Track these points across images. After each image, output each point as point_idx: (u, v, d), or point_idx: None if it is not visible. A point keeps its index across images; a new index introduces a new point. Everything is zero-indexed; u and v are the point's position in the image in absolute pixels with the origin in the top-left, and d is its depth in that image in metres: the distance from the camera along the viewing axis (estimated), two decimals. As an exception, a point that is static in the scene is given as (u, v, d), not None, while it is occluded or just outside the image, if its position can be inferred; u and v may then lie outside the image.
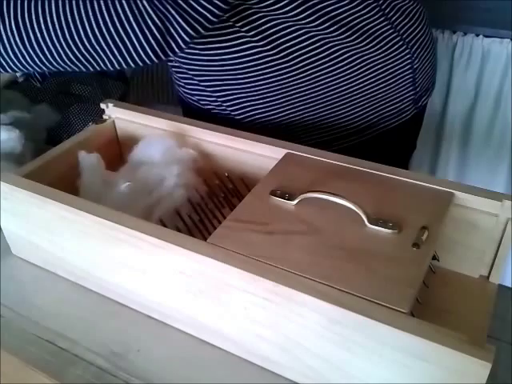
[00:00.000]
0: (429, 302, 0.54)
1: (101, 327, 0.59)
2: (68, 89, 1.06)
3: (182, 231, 0.59)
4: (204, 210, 0.66)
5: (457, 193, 0.57)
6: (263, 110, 0.78)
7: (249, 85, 0.76)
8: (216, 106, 0.81)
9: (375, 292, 0.45)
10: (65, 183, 0.64)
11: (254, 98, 0.77)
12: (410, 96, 0.81)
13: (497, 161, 1.61)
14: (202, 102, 0.82)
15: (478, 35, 1.48)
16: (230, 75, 0.77)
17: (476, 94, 1.56)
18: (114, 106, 0.77)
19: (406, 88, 0.80)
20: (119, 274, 0.59)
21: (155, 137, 0.73)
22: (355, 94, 0.77)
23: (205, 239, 0.52)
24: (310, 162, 0.63)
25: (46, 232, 0.63)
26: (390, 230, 0.52)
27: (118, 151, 0.79)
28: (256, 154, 0.68)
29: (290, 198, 0.57)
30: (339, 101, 0.77)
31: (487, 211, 0.56)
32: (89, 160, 0.68)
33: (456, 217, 0.57)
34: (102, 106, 0.78)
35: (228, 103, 0.79)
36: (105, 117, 0.78)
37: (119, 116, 0.78)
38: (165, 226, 0.59)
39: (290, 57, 0.73)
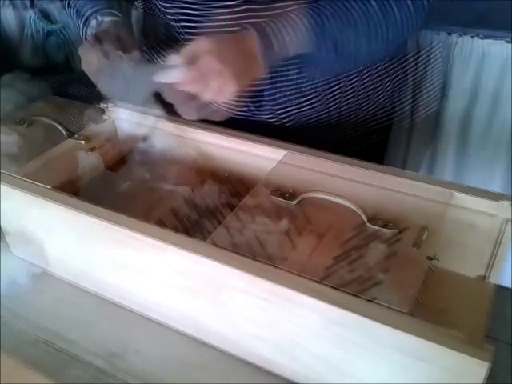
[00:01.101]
0: (428, 302, 0.54)
1: (100, 328, 0.59)
2: (67, 89, 1.06)
3: (182, 231, 0.59)
4: (204, 210, 0.66)
5: (455, 193, 0.57)
6: (299, 109, 0.77)
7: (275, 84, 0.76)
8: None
9: (375, 292, 0.45)
10: (65, 183, 0.64)
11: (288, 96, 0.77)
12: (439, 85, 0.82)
13: (495, 161, 1.61)
14: None
15: (476, 36, 1.48)
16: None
17: (474, 94, 1.56)
18: (114, 105, 0.77)
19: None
20: (118, 274, 0.59)
21: (155, 137, 0.73)
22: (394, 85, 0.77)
23: (204, 239, 0.52)
24: (310, 161, 0.64)
25: (46, 232, 0.63)
26: (390, 230, 0.52)
27: (118, 151, 0.79)
28: (256, 155, 0.68)
29: (290, 198, 0.57)
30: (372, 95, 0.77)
31: (486, 211, 0.56)
32: (89, 160, 0.69)
33: (454, 217, 0.57)
34: (102, 105, 0.78)
35: (256, 104, 0.78)
36: (105, 117, 0.78)
37: (119, 116, 0.78)
38: (164, 226, 0.59)
39: None
